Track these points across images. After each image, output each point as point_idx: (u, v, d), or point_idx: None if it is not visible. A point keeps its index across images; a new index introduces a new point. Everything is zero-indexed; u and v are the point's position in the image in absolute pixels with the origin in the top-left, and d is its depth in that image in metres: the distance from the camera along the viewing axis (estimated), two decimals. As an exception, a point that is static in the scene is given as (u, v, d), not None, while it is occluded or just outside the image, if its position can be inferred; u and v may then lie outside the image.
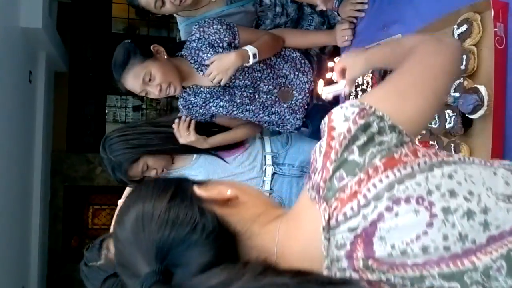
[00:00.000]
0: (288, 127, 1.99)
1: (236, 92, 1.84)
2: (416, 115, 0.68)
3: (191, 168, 2.00)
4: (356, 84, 1.61)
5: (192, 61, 1.82)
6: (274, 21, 1.98)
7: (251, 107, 1.88)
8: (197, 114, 1.89)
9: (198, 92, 1.86)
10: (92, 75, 7.71)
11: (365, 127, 0.64)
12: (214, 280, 0.55)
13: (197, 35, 1.79)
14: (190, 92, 1.87)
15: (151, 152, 1.89)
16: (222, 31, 1.77)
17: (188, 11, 1.92)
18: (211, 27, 1.78)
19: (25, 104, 5.55)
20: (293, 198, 2.14)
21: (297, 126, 1.98)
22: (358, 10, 1.74)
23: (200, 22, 1.80)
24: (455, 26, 1.16)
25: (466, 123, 1.13)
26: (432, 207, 0.58)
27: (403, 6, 1.48)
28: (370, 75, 1.54)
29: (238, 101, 1.85)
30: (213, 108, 1.86)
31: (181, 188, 0.69)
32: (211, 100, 1.86)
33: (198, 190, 0.69)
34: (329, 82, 1.42)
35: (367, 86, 1.55)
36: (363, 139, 0.63)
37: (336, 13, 1.85)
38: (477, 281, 0.57)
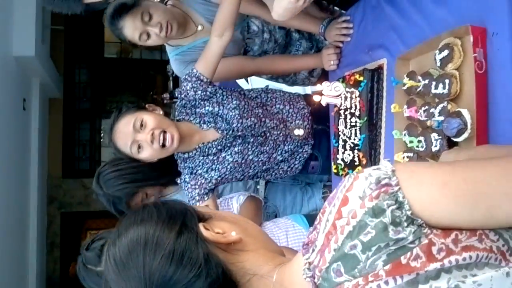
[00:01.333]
0: (296, 164, 1.93)
1: (247, 133, 1.79)
2: (450, 214, 0.56)
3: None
4: (345, 107, 1.63)
5: (193, 119, 1.79)
6: (262, 47, 2.00)
7: (265, 147, 1.82)
8: (202, 180, 1.78)
9: (207, 149, 1.79)
10: (86, 100, 7.74)
11: (375, 212, 0.55)
12: None
13: (186, 99, 1.79)
14: (196, 155, 1.79)
15: (150, 185, 1.88)
16: (196, 86, 1.75)
17: (176, 40, 1.94)
18: (187, 90, 1.76)
19: (20, 132, 5.56)
20: (287, 205, 2.17)
21: (307, 155, 1.92)
22: (344, 35, 1.77)
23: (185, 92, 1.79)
24: (437, 51, 1.18)
25: (452, 146, 1.15)
26: None
27: (386, 31, 1.51)
28: (358, 98, 1.56)
29: (251, 140, 1.80)
30: (228, 157, 1.78)
31: (187, 222, 0.67)
32: (224, 151, 1.79)
33: (204, 231, 0.67)
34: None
35: (355, 110, 1.57)
36: (370, 233, 0.55)
37: (323, 37, 1.89)
38: None
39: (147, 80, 7.99)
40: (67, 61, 7.32)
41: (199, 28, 1.94)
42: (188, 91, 1.76)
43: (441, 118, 1.14)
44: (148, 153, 1.63)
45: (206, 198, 1.78)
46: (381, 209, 0.54)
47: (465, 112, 1.08)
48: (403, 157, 1.30)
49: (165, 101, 5.22)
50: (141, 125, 1.62)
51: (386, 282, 0.54)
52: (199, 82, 1.74)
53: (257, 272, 0.66)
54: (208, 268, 0.62)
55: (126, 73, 7.89)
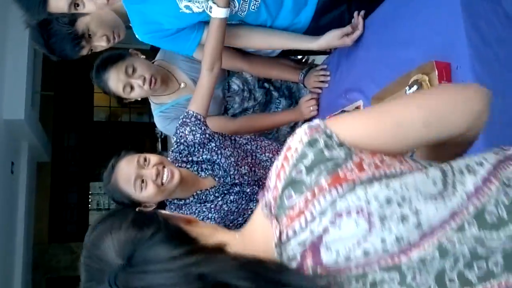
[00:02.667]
0: None
1: (243, 182, 1.76)
2: (366, 134, 0.72)
3: None
4: None
5: (190, 168, 1.76)
6: (242, 105, 2.07)
7: (257, 197, 1.79)
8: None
9: (204, 196, 1.76)
10: (74, 164, 7.76)
11: (311, 143, 0.68)
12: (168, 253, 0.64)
13: (181, 147, 1.76)
14: (193, 203, 1.76)
15: None
16: (195, 128, 1.73)
17: (158, 97, 2.01)
18: (185, 134, 1.74)
19: (7, 196, 5.51)
20: None
21: None
22: (322, 81, 1.85)
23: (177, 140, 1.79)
24: (407, 88, 1.26)
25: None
26: (370, 216, 0.65)
27: (361, 75, 1.60)
28: None
29: (248, 190, 1.76)
30: (224, 206, 1.75)
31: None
32: (221, 198, 1.76)
33: (163, 211, 0.77)
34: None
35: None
36: (310, 157, 0.67)
37: (302, 85, 1.97)
38: (413, 268, 0.64)
39: (136, 143, 8.07)
40: (56, 126, 7.41)
41: (182, 85, 2.00)
42: (187, 136, 1.72)
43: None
44: (151, 191, 1.56)
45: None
46: (315, 140, 0.69)
47: (436, 142, 1.14)
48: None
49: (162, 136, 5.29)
50: (145, 160, 1.59)
51: (330, 192, 0.66)
52: (197, 122, 1.72)
53: (214, 235, 0.75)
54: (168, 226, 0.70)
55: (115, 137, 7.97)
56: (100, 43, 1.70)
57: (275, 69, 1.98)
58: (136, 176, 1.55)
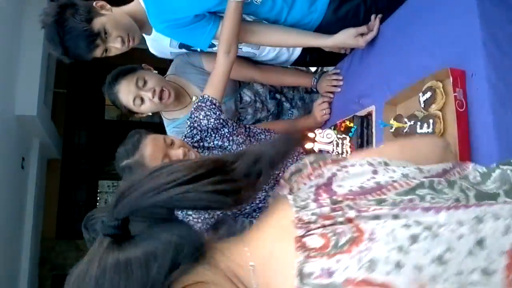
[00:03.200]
0: None
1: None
2: None
3: None
4: (336, 153, 1.68)
5: (200, 151, 1.78)
6: (255, 116, 2.08)
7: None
8: (211, 213, 1.75)
9: None
10: (84, 161, 7.81)
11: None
12: None
13: (198, 129, 1.78)
14: None
15: None
16: (209, 113, 1.74)
17: (171, 112, 2.01)
18: (200, 119, 1.76)
19: (17, 191, 5.56)
20: None
21: None
22: (334, 86, 1.85)
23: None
24: (421, 94, 1.25)
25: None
26: (373, 165, 0.71)
27: (374, 81, 1.59)
28: (348, 143, 1.62)
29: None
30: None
31: None
32: None
33: None
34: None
35: (346, 155, 1.62)
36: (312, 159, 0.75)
37: (315, 89, 1.97)
38: (427, 187, 0.67)
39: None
40: (68, 123, 7.46)
41: (194, 99, 2.00)
42: (201, 120, 1.74)
43: (427, 155, 1.19)
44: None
45: (205, 235, 1.76)
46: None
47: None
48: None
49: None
50: (171, 143, 1.63)
51: (333, 163, 0.72)
52: (212, 107, 1.72)
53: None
54: None
55: (126, 136, 8.00)
56: (115, 44, 1.70)
57: (287, 76, 1.99)
58: (164, 156, 1.59)
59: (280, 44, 1.84)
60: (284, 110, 2.13)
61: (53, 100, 6.63)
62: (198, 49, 1.93)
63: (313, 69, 2.11)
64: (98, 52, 1.70)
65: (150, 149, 1.59)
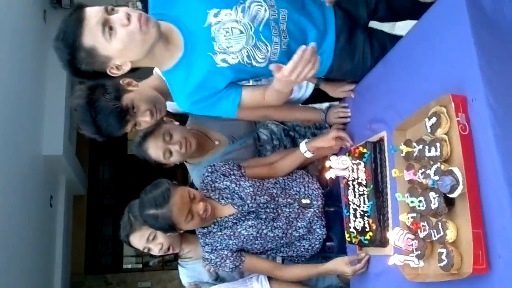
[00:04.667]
0: (316, 242, 2.02)
1: (260, 209, 1.94)
2: None
3: None
4: (352, 178, 1.75)
5: (212, 195, 1.97)
6: (274, 151, 2.22)
7: (278, 223, 1.94)
8: (226, 252, 1.93)
9: (223, 223, 1.95)
10: (109, 196, 7.96)
11: None
12: None
13: (210, 170, 2.02)
14: (215, 230, 1.95)
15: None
16: (229, 163, 2.03)
17: (196, 158, 2.15)
18: (220, 163, 2.03)
19: (46, 228, 5.71)
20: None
21: (323, 236, 2.02)
22: (343, 117, 1.94)
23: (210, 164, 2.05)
24: (427, 119, 1.32)
25: (449, 202, 1.25)
26: None
27: (383, 106, 1.67)
28: (363, 168, 1.69)
29: (264, 216, 1.93)
30: (243, 231, 1.92)
31: None
32: (239, 224, 1.94)
33: None
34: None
35: (361, 180, 1.69)
36: None
37: (324, 123, 2.07)
38: None
39: (168, 175, 8.22)
40: (92, 158, 7.64)
41: (217, 143, 2.17)
42: (223, 163, 2.03)
43: (436, 177, 1.25)
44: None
45: (243, 259, 1.95)
46: None
47: (456, 170, 1.20)
48: (408, 217, 1.39)
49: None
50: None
51: None
52: (239, 165, 2.04)
53: None
54: None
55: (148, 169, 8.15)
56: (144, 118, 1.79)
57: (297, 111, 2.10)
58: (188, 211, 1.83)
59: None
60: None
61: (77, 137, 6.83)
62: None
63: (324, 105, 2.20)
64: (128, 127, 1.78)
65: (178, 205, 1.80)
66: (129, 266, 7.62)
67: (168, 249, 2.09)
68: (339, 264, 1.85)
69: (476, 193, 1.17)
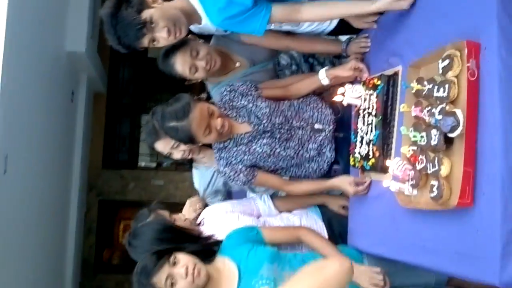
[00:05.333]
0: (324, 164, 2.14)
1: (274, 129, 2.05)
2: None
3: None
4: (364, 108, 1.84)
5: (230, 113, 2.07)
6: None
7: (291, 143, 2.06)
8: (240, 166, 2.04)
9: (239, 139, 2.06)
10: (128, 96, 8.15)
11: None
12: None
13: (228, 89, 2.11)
14: (231, 145, 2.06)
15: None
16: (247, 83, 2.11)
17: (217, 77, 2.24)
18: (238, 83, 2.11)
19: (67, 123, 5.96)
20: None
21: (332, 159, 2.13)
22: (363, 47, 2.00)
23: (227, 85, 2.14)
24: (440, 60, 1.39)
25: (448, 141, 1.35)
26: None
27: (401, 41, 1.72)
28: (375, 99, 1.77)
29: (278, 136, 2.05)
30: (257, 148, 2.04)
31: None
32: (254, 142, 2.05)
33: None
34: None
35: (372, 110, 1.78)
36: None
37: (344, 54, 2.12)
38: None
39: (186, 81, 8.32)
40: (113, 58, 7.73)
41: (237, 64, 2.24)
42: (241, 83, 2.12)
43: (440, 116, 1.35)
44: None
45: (255, 174, 2.08)
46: None
47: (458, 112, 1.29)
48: (408, 150, 1.51)
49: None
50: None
51: None
52: (257, 86, 2.14)
53: None
54: None
55: (166, 75, 8.24)
56: (161, 34, 1.81)
57: (318, 43, 2.16)
58: (207, 126, 1.93)
59: (327, 18, 2.01)
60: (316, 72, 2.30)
61: (99, 36, 6.86)
62: None
63: (343, 38, 2.23)
64: (145, 41, 1.82)
65: (197, 119, 1.89)
66: (143, 164, 7.97)
67: (188, 154, 2.25)
68: (344, 182, 1.98)
69: (473, 136, 1.27)
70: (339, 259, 1.47)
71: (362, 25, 1.98)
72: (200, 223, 2.12)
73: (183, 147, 2.18)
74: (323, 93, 2.26)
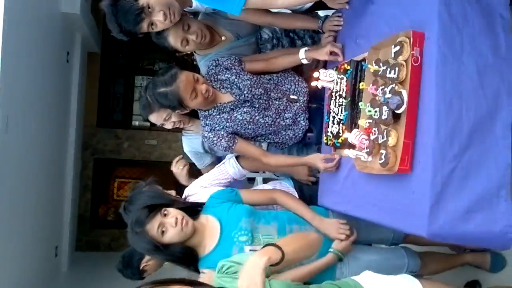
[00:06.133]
0: (299, 132, 2.37)
1: (254, 100, 2.27)
2: None
3: None
4: (336, 90, 2.04)
5: (215, 84, 2.29)
6: (273, 50, 2.50)
7: (269, 112, 2.29)
8: (222, 132, 2.27)
9: (222, 108, 2.28)
10: (122, 56, 8.26)
11: None
12: None
13: (214, 64, 2.32)
14: (215, 113, 2.28)
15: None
16: (231, 57, 2.32)
17: (204, 50, 2.44)
18: (223, 58, 2.31)
19: (63, 82, 6.10)
20: None
21: (306, 127, 2.37)
22: (336, 25, 2.19)
23: (215, 58, 2.33)
24: (393, 46, 1.60)
25: (396, 116, 1.58)
26: None
27: (367, 25, 1.92)
28: (345, 83, 1.97)
29: (257, 105, 2.27)
30: (238, 116, 2.26)
31: None
32: (235, 110, 2.27)
33: None
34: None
35: (342, 92, 1.99)
36: None
37: (320, 30, 2.30)
38: None
39: (177, 52, 8.42)
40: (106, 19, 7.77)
41: (223, 38, 2.44)
42: (226, 57, 2.33)
43: (389, 96, 1.58)
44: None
45: (236, 141, 2.29)
46: None
47: (404, 92, 1.52)
48: (365, 122, 1.74)
49: (194, 62, 5.72)
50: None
51: None
52: (240, 60, 2.35)
53: None
54: None
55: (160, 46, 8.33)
56: (158, 18, 2.01)
57: (298, 20, 2.35)
58: (193, 90, 2.15)
59: (301, 3, 2.22)
60: (296, 46, 2.51)
61: (93, -3, 6.92)
62: None
63: (322, 13, 2.42)
64: (144, 25, 2.02)
65: (184, 83, 2.12)
66: (137, 123, 8.17)
67: (179, 125, 2.51)
68: (315, 159, 2.17)
69: (414, 113, 1.51)
70: (318, 234, 1.84)
71: (335, 6, 2.17)
72: (185, 199, 2.35)
73: (173, 118, 2.41)
74: (302, 66, 2.47)
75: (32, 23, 4.58)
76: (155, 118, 2.43)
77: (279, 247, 1.51)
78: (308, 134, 2.40)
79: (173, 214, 1.90)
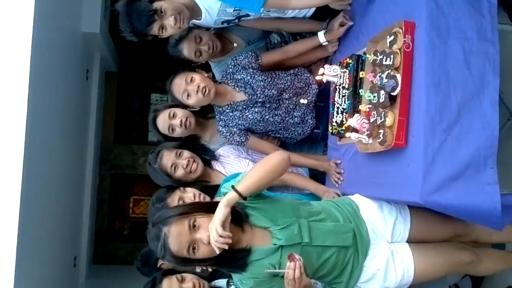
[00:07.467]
0: (307, 129, 2.54)
1: (266, 100, 2.42)
2: None
3: None
4: (339, 83, 2.21)
5: (230, 83, 2.46)
6: None
7: (279, 111, 2.45)
8: (235, 129, 2.42)
9: (235, 106, 2.44)
10: (138, 75, 8.54)
11: None
12: None
13: (233, 63, 2.47)
14: (228, 110, 2.45)
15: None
16: (249, 54, 2.47)
17: (218, 57, 2.64)
18: (242, 55, 2.46)
19: (82, 100, 6.34)
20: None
21: (313, 125, 2.54)
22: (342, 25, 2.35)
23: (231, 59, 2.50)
24: (388, 36, 1.78)
25: (392, 99, 1.75)
26: None
27: (369, 22, 2.11)
28: (348, 76, 2.14)
29: (268, 105, 2.43)
30: (249, 115, 2.42)
31: None
32: (247, 110, 2.43)
33: None
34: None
35: (345, 84, 2.15)
36: None
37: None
38: None
39: (192, 63, 8.70)
40: (123, 39, 8.05)
41: (235, 45, 2.65)
42: (244, 56, 2.48)
43: (386, 80, 1.75)
44: (193, 100, 2.34)
45: (248, 137, 2.45)
46: None
47: (398, 76, 1.69)
48: (365, 107, 1.91)
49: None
50: (191, 80, 2.31)
51: None
52: (257, 56, 2.50)
53: None
54: None
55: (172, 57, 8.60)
56: (169, 21, 2.13)
57: (303, 24, 2.54)
58: (183, 91, 2.33)
59: (312, 5, 2.37)
60: None
61: (110, 17, 7.22)
62: None
63: None
64: (155, 27, 2.13)
65: (174, 86, 2.41)
66: (154, 139, 8.36)
67: (186, 122, 2.53)
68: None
69: (407, 94, 1.67)
70: (281, 153, 1.88)
71: (337, 7, 2.36)
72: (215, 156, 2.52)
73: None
74: (311, 66, 2.65)
75: (57, 42, 4.84)
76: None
77: (233, 188, 1.70)
78: (315, 130, 2.57)
79: (191, 192, 2.12)
